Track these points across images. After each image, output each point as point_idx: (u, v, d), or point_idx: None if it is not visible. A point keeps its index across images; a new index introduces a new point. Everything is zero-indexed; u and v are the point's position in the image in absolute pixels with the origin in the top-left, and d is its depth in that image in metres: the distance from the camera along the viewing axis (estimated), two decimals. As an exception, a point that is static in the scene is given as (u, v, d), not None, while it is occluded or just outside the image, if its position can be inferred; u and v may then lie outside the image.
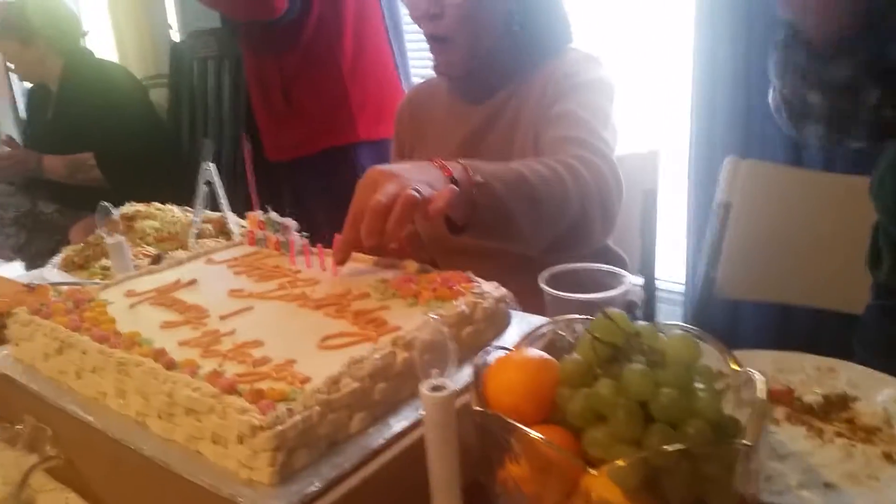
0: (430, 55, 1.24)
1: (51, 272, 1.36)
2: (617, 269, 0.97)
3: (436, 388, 0.58)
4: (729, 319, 1.82)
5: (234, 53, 2.13)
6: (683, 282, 1.95)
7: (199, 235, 1.40)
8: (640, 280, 1.55)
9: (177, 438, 0.65)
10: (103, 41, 2.82)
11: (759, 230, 1.52)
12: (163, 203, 1.61)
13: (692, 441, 0.52)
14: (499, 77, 1.24)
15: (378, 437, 0.64)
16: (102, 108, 2.25)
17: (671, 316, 1.96)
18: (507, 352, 0.69)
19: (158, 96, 2.53)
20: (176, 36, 2.85)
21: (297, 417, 0.60)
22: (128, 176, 2.25)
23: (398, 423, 0.66)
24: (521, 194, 0.97)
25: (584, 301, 0.89)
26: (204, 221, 1.43)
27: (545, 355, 0.67)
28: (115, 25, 3.01)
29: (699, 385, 0.56)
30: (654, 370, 0.58)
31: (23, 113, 4.12)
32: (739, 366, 0.61)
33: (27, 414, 0.79)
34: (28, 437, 0.80)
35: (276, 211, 1.66)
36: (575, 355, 0.63)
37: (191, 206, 1.62)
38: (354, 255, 0.97)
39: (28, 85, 3.57)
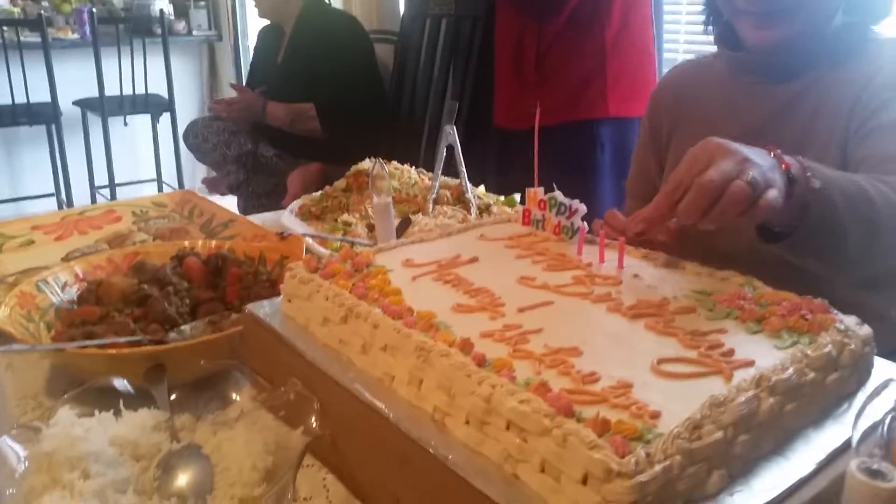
0: (739, 30, 1.07)
1: (289, 218, 1.33)
2: None
3: (874, 474, 0.43)
4: None
5: (473, 13, 2.04)
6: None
7: (436, 201, 1.32)
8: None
9: (487, 453, 0.54)
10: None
11: None
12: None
13: None
14: (811, 56, 1.04)
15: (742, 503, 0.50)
16: (330, 58, 2.25)
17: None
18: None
19: (381, 52, 2.50)
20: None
21: (658, 467, 0.47)
22: (344, 130, 2.25)
23: (764, 490, 0.51)
24: (860, 213, 0.79)
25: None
26: (441, 187, 1.35)
27: None
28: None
29: None
30: None
31: (243, 55, 4.35)
32: None
33: (293, 378, 0.73)
34: (291, 405, 0.73)
35: (497, 180, 1.54)
36: None
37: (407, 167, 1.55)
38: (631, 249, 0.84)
39: (253, 25, 3.75)
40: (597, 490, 0.47)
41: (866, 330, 0.66)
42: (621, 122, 1.73)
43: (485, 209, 1.36)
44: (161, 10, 4.05)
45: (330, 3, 2.51)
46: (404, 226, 1.15)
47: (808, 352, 0.60)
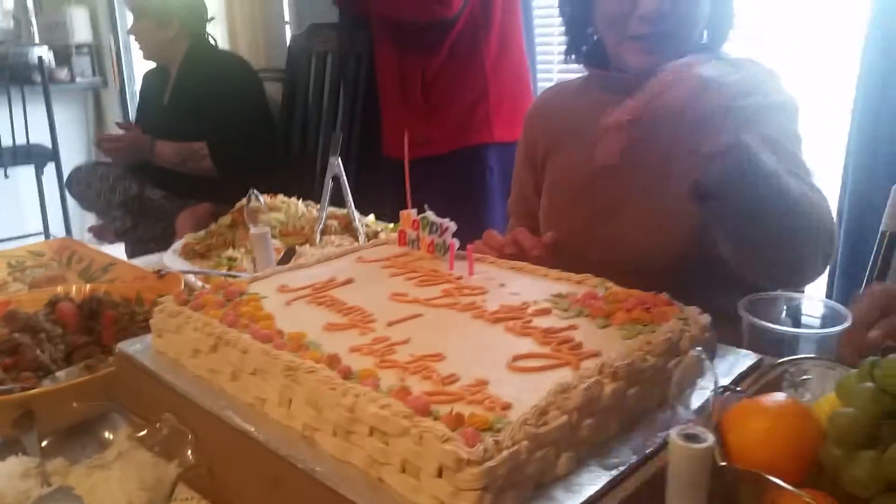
0: (619, 55, 1.13)
1: (172, 259, 1.31)
2: (829, 302, 0.85)
3: (690, 438, 0.47)
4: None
5: (357, 49, 2.08)
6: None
7: (324, 231, 1.33)
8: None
9: (354, 461, 0.56)
10: (215, 33, 2.82)
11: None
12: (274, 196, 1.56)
13: None
14: None
15: (590, 482, 0.54)
16: (217, 97, 2.24)
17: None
18: (742, 395, 0.58)
19: (269, 90, 2.51)
20: (288, 30, 2.83)
21: (506, 453, 0.50)
22: (237, 168, 2.23)
23: (611, 468, 0.56)
24: (779, 197, 0.84)
25: (794, 335, 0.77)
26: (328, 217, 1.37)
27: (801, 402, 0.56)
28: (228, 17, 3.02)
29: None
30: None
31: (130, 100, 4.23)
32: None
33: (167, 413, 0.73)
34: (165, 440, 0.73)
35: (393, 210, 1.58)
36: (845, 407, 0.52)
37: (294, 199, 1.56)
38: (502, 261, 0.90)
39: (140, 70, 3.66)
40: (450, 480, 0.50)
41: (705, 318, 0.72)
42: (506, 145, 1.80)
43: (373, 237, 1.38)
44: (40, 58, 3.90)
45: (216, 44, 2.50)
46: (289, 257, 1.15)
47: (650, 339, 0.65)
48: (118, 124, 2.56)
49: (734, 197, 0.81)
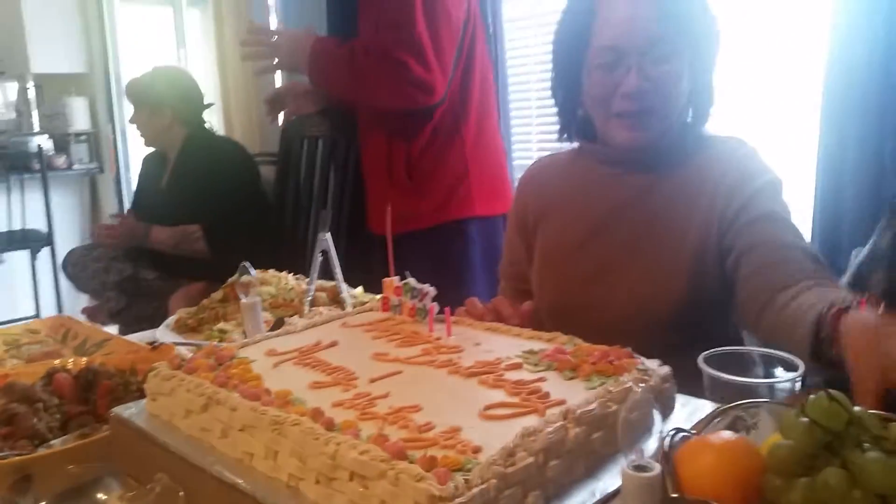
0: (608, 131, 1.19)
1: (164, 334, 1.36)
2: (778, 353, 0.90)
3: (639, 468, 0.52)
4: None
5: (346, 133, 2.19)
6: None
7: (313, 303, 1.38)
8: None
9: (336, 506, 0.60)
10: (211, 119, 2.94)
11: None
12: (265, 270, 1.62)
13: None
14: (664, 152, 1.18)
15: (556, 520, 0.58)
16: (214, 182, 2.33)
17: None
18: (693, 435, 0.63)
19: (263, 172, 2.61)
20: (281, 116, 2.95)
21: (476, 490, 0.55)
22: (231, 251, 2.28)
23: (575, 506, 0.60)
24: None
25: (750, 385, 0.82)
26: (317, 290, 1.42)
27: (746, 438, 0.60)
28: (224, 104, 3.17)
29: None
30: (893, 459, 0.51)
31: (125, 186, 4.35)
32: None
33: (160, 472, 0.76)
34: (158, 498, 0.76)
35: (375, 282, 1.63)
36: (784, 440, 0.57)
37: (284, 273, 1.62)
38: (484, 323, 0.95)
39: (136, 156, 3.79)
40: (424, 518, 0.54)
41: (665, 369, 0.77)
42: (488, 219, 1.89)
43: (360, 306, 1.43)
44: (39, 147, 4.03)
45: (213, 130, 2.61)
46: (278, 327, 1.20)
47: (611, 388, 0.70)
48: (112, 216, 2.65)
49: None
